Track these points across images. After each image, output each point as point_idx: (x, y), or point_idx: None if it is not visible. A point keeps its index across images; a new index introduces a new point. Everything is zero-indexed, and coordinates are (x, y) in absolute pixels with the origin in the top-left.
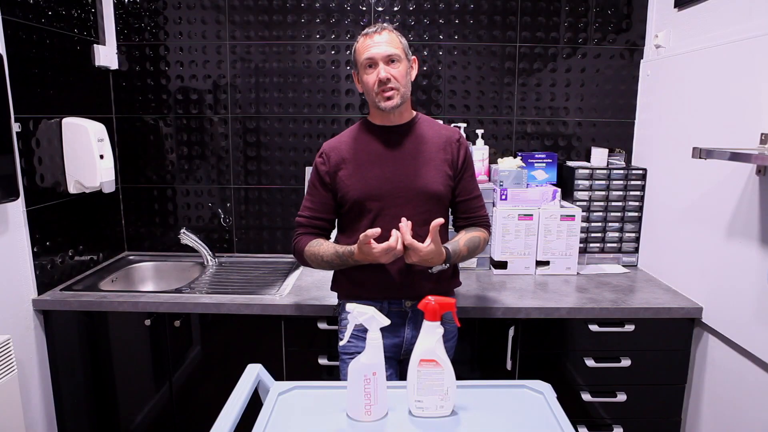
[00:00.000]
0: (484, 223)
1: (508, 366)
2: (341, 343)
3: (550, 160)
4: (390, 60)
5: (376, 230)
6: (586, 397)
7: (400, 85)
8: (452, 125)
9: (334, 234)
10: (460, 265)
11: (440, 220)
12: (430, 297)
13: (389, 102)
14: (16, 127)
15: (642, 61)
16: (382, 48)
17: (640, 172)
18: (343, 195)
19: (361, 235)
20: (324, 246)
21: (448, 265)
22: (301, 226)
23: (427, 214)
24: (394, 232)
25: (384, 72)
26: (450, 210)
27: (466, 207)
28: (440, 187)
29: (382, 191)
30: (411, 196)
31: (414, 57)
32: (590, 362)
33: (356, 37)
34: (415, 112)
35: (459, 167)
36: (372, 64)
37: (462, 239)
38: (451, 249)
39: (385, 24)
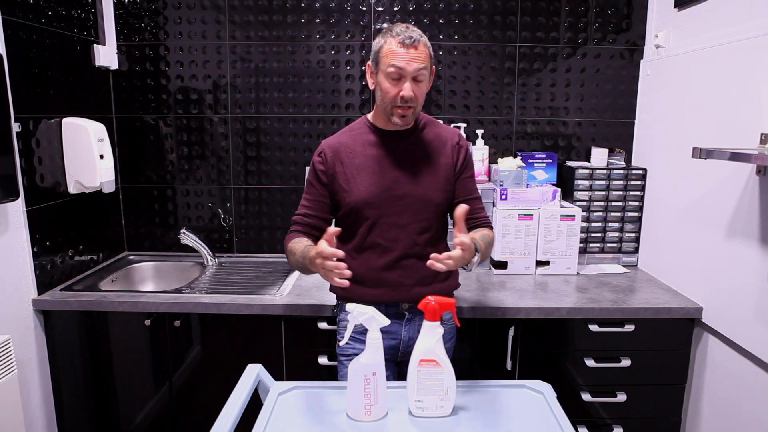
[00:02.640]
0: (487, 224)
1: (508, 366)
2: (340, 344)
3: (550, 160)
4: (418, 78)
5: (334, 249)
6: (586, 397)
7: (418, 104)
8: (452, 125)
9: None
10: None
11: (465, 207)
12: (430, 297)
13: (403, 119)
14: (16, 127)
15: (642, 61)
16: (415, 65)
17: (640, 172)
18: (340, 200)
19: (330, 229)
20: (300, 243)
21: (479, 257)
22: (296, 224)
23: (425, 222)
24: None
25: (410, 91)
26: (449, 215)
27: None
28: (439, 195)
29: (381, 199)
30: (409, 204)
31: (433, 67)
32: (590, 362)
33: (357, 36)
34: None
35: (458, 169)
36: (399, 77)
37: (476, 236)
38: (474, 243)
39: (419, 32)
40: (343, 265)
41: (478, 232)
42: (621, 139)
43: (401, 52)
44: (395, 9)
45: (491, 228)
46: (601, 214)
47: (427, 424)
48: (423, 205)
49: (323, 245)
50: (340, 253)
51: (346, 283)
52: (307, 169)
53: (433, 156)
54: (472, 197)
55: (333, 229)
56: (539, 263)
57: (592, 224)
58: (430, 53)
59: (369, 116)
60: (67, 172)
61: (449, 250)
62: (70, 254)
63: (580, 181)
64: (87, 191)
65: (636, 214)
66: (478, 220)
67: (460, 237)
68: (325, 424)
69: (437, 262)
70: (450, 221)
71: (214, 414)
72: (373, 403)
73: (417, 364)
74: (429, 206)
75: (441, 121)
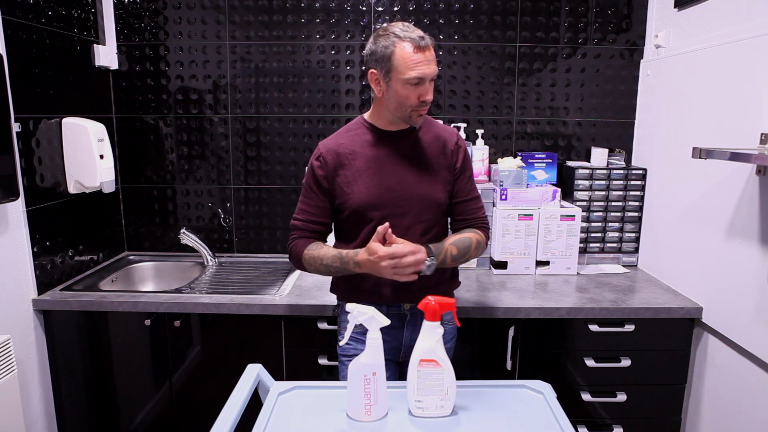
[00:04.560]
0: (481, 225)
1: (508, 366)
2: (341, 344)
3: (550, 160)
4: (432, 80)
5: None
6: (586, 397)
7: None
8: (452, 125)
9: (331, 238)
10: (461, 265)
11: (385, 226)
12: (430, 297)
13: (420, 119)
14: (16, 127)
15: (642, 61)
16: (432, 67)
17: (640, 172)
18: (342, 202)
19: (380, 227)
20: (324, 249)
21: (433, 259)
22: (297, 230)
23: (427, 223)
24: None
25: (431, 94)
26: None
27: (462, 209)
28: (441, 195)
29: (383, 200)
30: (412, 204)
31: None
32: (590, 362)
33: (357, 36)
34: None
35: (457, 169)
36: (420, 82)
37: (449, 239)
38: (434, 247)
39: (423, 32)
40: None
41: (460, 235)
42: (621, 139)
43: (418, 58)
44: (395, 9)
45: (486, 228)
46: (601, 214)
47: (427, 424)
48: (426, 206)
49: (381, 248)
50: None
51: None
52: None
53: (433, 156)
54: (470, 198)
55: (383, 228)
56: (539, 263)
57: (592, 224)
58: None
59: (366, 116)
60: (67, 172)
61: None
62: (70, 254)
63: (580, 181)
64: (87, 191)
65: (636, 214)
66: (472, 220)
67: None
68: (325, 424)
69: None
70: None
71: (214, 414)
72: (373, 403)
73: (417, 364)
74: (431, 206)
75: (440, 121)
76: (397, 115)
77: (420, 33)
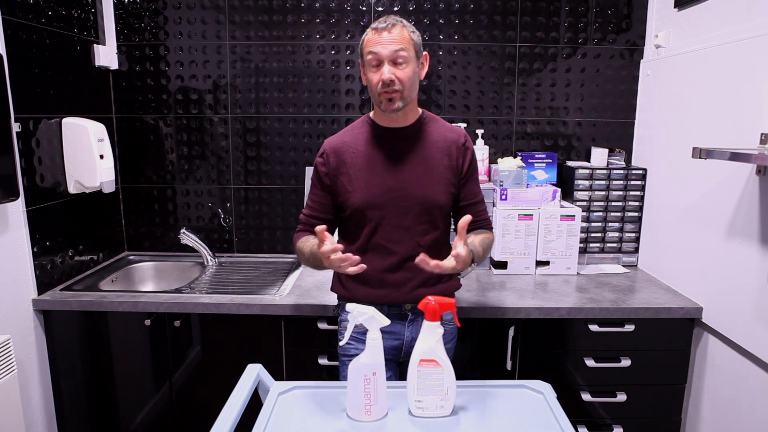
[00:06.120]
0: (488, 227)
1: (508, 366)
2: (341, 344)
3: (550, 160)
4: (397, 61)
5: (332, 246)
6: (586, 397)
7: (404, 88)
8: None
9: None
10: None
11: (468, 218)
12: (430, 297)
13: (390, 104)
14: (16, 127)
15: (642, 61)
16: (390, 47)
17: (640, 172)
18: (344, 201)
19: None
20: (309, 242)
21: (476, 264)
22: (301, 223)
23: (428, 224)
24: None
25: (388, 73)
26: (452, 214)
27: (469, 212)
28: (443, 197)
29: (384, 200)
30: (413, 205)
31: (426, 53)
32: (590, 362)
33: (357, 36)
34: (421, 111)
35: (464, 172)
36: (377, 62)
37: (476, 240)
38: (473, 250)
39: (397, 18)
40: (349, 255)
41: (479, 236)
42: (621, 139)
43: (375, 39)
44: (395, 9)
45: (492, 230)
46: (601, 214)
47: (427, 424)
48: (427, 207)
49: (323, 247)
50: (339, 246)
51: (363, 266)
52: (308, 169)
53: (437, 157)
54: (476, 200)
55: (319, 228)
56: (539, 263)
57: (592, 224)
58: (410, 38)
59: (371, 114)
60: (67, 172)
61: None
62: (70, 254)
63: (580, 181)
64: (87, 191)
65: (636, 214)
66: (480, 222)
67: (458, 249)
68: (325, 424)
69: (425, 264)
70: (453, 223)
71: (214, 414)
72: (373, 403)
73: (417, 364)
74: (432, 208)
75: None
76: (375, 103)
77: (389, 19)
